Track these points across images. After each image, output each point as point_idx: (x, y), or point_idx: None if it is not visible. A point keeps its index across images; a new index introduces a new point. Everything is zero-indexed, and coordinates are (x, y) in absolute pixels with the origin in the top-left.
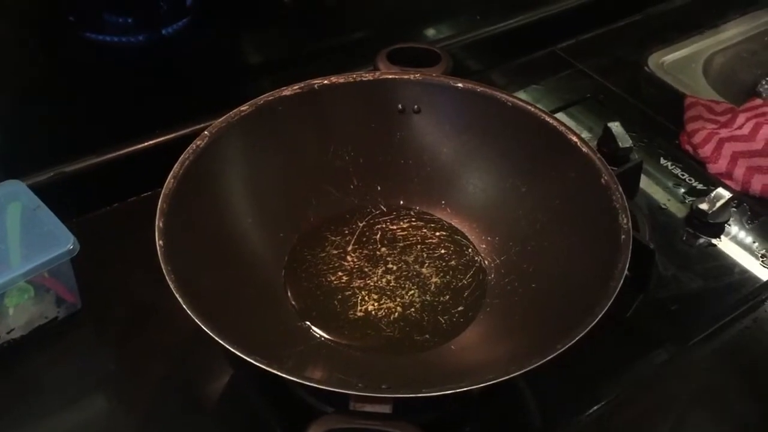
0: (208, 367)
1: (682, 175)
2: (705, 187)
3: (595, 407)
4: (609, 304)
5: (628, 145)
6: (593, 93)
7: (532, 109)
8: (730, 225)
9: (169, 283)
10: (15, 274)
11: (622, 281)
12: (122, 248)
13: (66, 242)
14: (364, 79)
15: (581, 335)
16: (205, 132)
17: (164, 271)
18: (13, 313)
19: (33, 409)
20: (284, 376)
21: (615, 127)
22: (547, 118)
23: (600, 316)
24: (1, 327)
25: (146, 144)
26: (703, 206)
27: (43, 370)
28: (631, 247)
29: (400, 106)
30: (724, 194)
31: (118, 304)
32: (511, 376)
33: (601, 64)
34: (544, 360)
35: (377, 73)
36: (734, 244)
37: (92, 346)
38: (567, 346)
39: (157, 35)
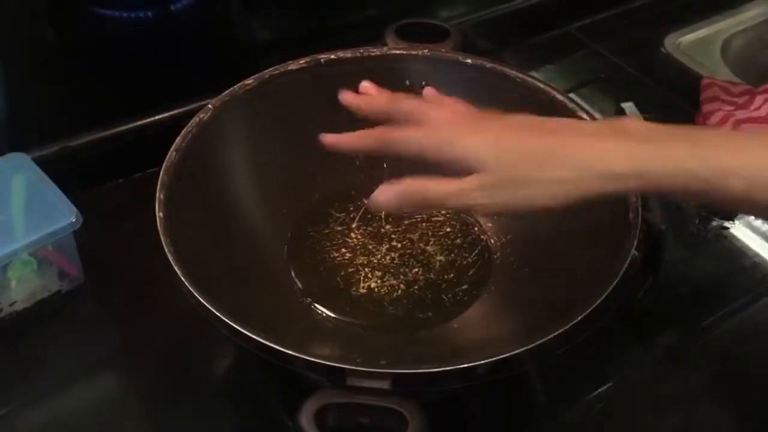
0: (211, 343)
1: None
2: None
3: (601, 389)
4: (615, 284)
5: None
6: (608, 73)
7: (542, 86)
8: None
9: (168, 255)
10: (18, 246)
11: (629, 260)
12: (126, 223)
13: (69, 216)
14: (371, 54)
15: (585, 314)
16: (209, 105)
17: (163, 243)
18: (15, 286)
19: (35, 381)
20: (281, 350)
21: (629, 107)
22: (558, 95)
23: (605, 295)
24: (4, 299)
25: (151, 119)
26: None
27: (45, 342)
28: (640, 227)
29: (407, 82)
30: None
31: (122, 278)
32: (511, 354)
33: (617, 45)
34: (546, 338)
35: (385, 49)
36: (747, 229)
37: (95, 320)
38: (571, 324)
39: (166, 11)
